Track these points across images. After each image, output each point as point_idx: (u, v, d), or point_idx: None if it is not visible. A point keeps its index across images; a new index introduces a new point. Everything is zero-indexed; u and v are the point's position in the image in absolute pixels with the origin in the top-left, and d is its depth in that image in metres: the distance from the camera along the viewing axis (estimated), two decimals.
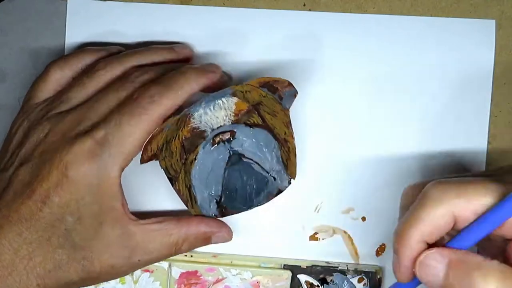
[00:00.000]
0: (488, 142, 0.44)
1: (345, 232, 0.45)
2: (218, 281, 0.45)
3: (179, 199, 0.42)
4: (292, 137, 0.42)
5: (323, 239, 0.45)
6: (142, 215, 0.40)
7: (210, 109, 0.41)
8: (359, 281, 0.44)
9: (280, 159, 0.43)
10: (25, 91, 0.45)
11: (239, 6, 0.46)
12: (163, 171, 0.42)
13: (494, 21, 0.44)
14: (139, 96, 0.38)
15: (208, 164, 0.43)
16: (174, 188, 0.42)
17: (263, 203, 0.43)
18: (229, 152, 0.43)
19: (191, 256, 0.45)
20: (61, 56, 0.45)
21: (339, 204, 0.45)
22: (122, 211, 0.39)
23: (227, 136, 0.43)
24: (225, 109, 0.41)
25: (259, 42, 0.45)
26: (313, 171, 0.45)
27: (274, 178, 0.43)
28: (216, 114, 0.41)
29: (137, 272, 0.45)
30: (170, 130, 0.40)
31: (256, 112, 0.42)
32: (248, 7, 0.46)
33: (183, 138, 0.41)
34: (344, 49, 0.45)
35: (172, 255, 0.41)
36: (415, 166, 0.44)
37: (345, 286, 0.44)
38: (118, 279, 0.45)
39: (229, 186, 0.43)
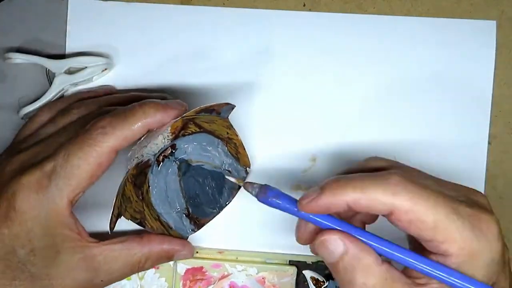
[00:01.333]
0: (488, 142, 0.44)
1: None
2: (223, 277, 0.45)
3: None
4: (236, 135, 0.42)
5: None
6: (105, 235, 0.40)
7: (147, 140, 0.39)
8: None
9: (228, 153, 0.43)
10: (25, 91, 0.45)
11: (239, 6, 0.46)
12: (131, 222, 0.41)
13: (495, 22, 0.44)
14: (90, 127, 0.37)
15: (161, 184, 0.43)
16: (147, 229, 0.42)
17: (230, 200, 0.43)
18: (175, 162, 0.43)
19: (197, 252, 0.45)
20: (50, 101, 0.45)
21: None
22: (78, 238, 0.38)
23: (168, 151, 0.42)
24: (161, 133, 0.40)
25: (259, 42, 0.45)
26: (314, 172, 0.45)
27: (229, 171, 0.43)
28: (155, 141, 0.40)
29: None
30: (121, 184, 0.39)
31: (193, 123, 0.41)
32: (248, 7, 0.46)
33: (132, 177, 0.40)
34: (344, 49, 0.45)
35: (134, 273, 0.41)
36: (415, 166, 0.44)
37: None
38: None
39: (190, 194, 0.43)
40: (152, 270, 0.45)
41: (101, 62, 0.45)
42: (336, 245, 0.33)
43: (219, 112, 0.41)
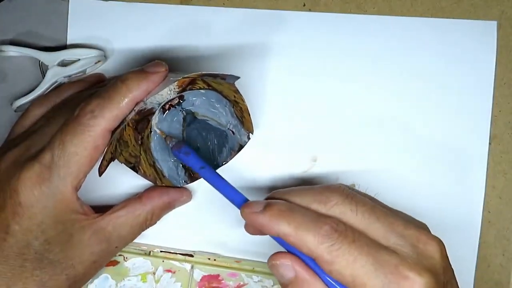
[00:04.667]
0: (488, 142, 0.44)
1: None
2: (239, 286, 0.45)
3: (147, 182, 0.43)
4: (243, 100, 0.42)
5: None
6: (109, 207, 0.41)
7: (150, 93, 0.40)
8: None
9: (235, 114, 0.43)
10: (25, 91, 0.45)
11: (239, 6, 0.46)
12: (124, 165, 0.42)
13: (495, 22, 0.44)
14: (79, 113, 0.38)
15: (165, 131, 0.43)
16: (139, 175, 0.42)
17: (228, 161, 0.43)
18: (182, 112, 0.43)
19: (214, 260, 0.45)
20: (43, 94, 0.45)
21: None
22: (84, 218, 0.39)
23: (176, 100, 0.43)
24: (167, 86, 0.40)
25: (259, 42, 0.45)
26: (314, 172, 0.45)
27: (233, 132, 0.43)
28: (160, 92, 0.40)
29: (159, 272, 0.45)
30: (118, 131, 0.39)
31: (201, 80, 0.41)
32: (248, 7, 0.46)
33: (133, 122, 0.41)
34: (344, 50, 0.45)
35: (144, 230, 0.42)
36: (415, 165, 0.44)
37: None
38: (139, 277, 0.45)
39: (190, 146, 0.43)
40: (168, 274, 0.45)
41: (94, 54, 0.45)
42: (287, 270, 0.35)
43: (224, 79, 0.41)
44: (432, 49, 0.45)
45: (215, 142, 0.44)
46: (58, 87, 0.46)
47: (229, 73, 0.39)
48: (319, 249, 0.33)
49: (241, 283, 0.45)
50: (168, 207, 0.43)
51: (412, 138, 0.45)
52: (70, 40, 0.46)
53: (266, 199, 0.37)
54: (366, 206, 0.35)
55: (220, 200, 0.45)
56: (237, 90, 0.41)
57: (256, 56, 0.45)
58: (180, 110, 0.43)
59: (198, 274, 0.45)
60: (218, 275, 0.45)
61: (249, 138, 0.43)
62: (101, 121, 0.37)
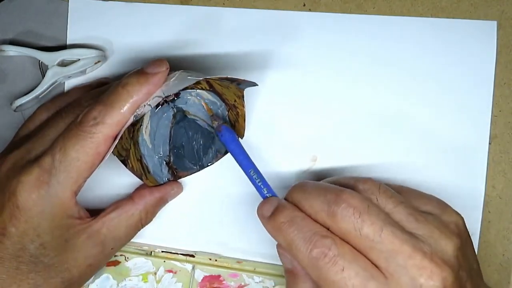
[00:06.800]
0: (488, 142, 0.44)
1: None
2: (240, 287, 0.45)
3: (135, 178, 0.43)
4: (243, 106, 0.42)
5: None
6: (101, 210, 0.41)
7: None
8: None
9: (227, 118, 0.43)
10: (24, 91, 0.45)
11: (239, 6, 0.46)
12: (117, 158, 0.41)
13: (495, 22, 0.44)
14: (82, 119, 0.38)
15: (153, 126, 0.43)
16: (128, 169, 0.42)
17: (213, 163, 0.44)
18: (173, 109, 0.43)
19: (216, 260, 0.45)
20: (50, 98, 0.46)
21: None
22: (80, 222, 0.39)
23: (171, 97, 0.43)
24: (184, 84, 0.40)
25: (259, 42, 0.45)
26: (314, 172, 0.45)
27: None
28: (171, 91, 0.40)
29: (160, 272, 0.45)
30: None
31: (205, 81, 0.41)
32: (248, 7, 0.46)
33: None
34: (344, 50, 0.45)
35: (140, 229, 0.42)
36: (415, 165, 0.45)
37: None
38: (141, 277, 0.45)
39: (175, 144, 0.44)
40: (169, 275, 0.45)
41: (94, 54, 0.45)
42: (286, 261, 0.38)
43: (239, 84, 0.41)
44: (432, 49, 0.45)
45: (201, 142, 0.44)
46: (66, 92, 0.46)
47: (248, 79, 0.40)
48: (308, 267, 0.34)
49: (242, 283, 0.45)
50: (161, 202, 0.43)
51: (412, 138, 0.45)
52: (70, 40, 0.46)
53: (287, 194, 0.38)
54: (373, 226, 0.33)
55: (221, 200, 0.45)
56: (242, 96, 0.42)
57: (255, 55, 0.45)
58: (172, 107, 0.43)
59: (199, 274, 0.45)
60: (219, 276, 0.45)
61: None
62: (104, 128, 0.37)
